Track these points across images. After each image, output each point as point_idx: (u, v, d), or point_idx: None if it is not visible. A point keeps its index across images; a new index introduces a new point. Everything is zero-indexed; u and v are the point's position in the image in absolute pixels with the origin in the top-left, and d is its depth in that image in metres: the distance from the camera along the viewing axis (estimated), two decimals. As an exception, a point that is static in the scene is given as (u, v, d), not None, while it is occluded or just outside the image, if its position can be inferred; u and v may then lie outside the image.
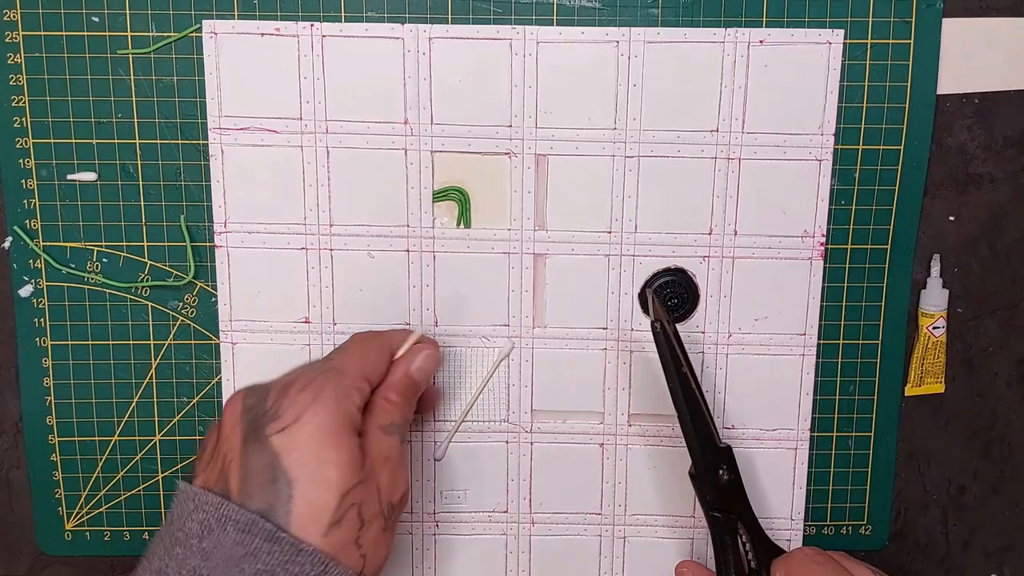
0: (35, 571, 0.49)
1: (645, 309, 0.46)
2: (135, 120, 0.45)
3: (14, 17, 0.44)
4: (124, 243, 0.46)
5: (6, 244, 0.46)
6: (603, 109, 0.45)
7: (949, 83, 0.45)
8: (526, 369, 0.47)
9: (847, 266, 0.47)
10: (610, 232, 0.46)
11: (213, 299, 0.46)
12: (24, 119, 0.45)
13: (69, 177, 0.45)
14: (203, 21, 0.44)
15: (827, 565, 0.40)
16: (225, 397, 0.47)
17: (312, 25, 0.44)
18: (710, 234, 0.46)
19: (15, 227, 0.46)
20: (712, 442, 0.43)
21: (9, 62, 0.44)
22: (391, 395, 0.40)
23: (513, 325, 0.47)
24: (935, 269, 0.47)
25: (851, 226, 0.46)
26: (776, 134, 0.45)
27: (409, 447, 0.48)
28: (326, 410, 0.35)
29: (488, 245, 0.46)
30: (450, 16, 0.44)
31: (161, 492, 0.48)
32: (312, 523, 0.34)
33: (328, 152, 0.45)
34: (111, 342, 0.47)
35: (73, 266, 0.46)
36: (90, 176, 0.45)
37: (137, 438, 0.48)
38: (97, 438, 0.47)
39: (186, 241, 0.46)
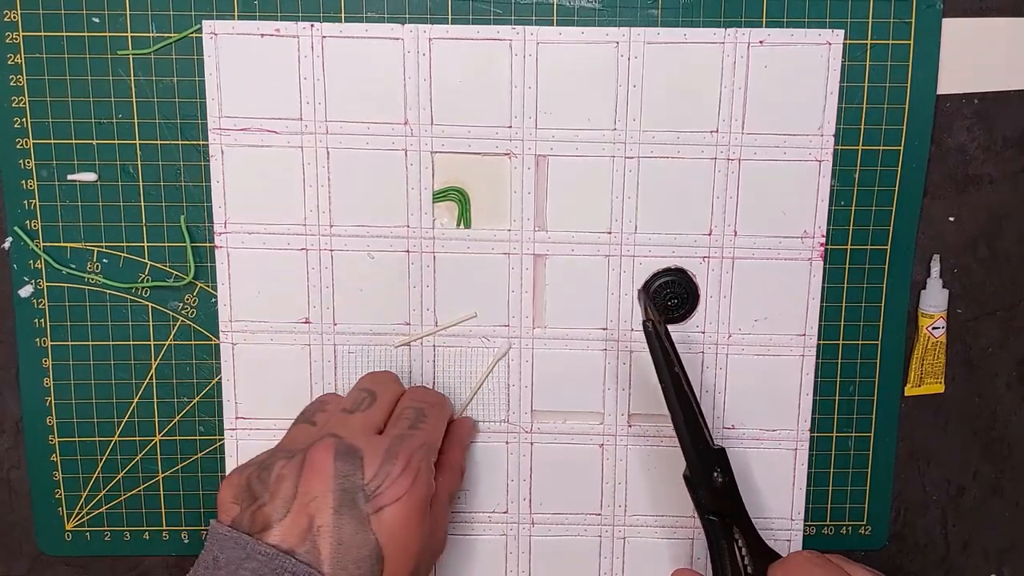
0: (35, 571, 0.49)
1: (645, 312, 0.45)
2: (135, 121, 0.45)
3: (14, 18, 0.44)
4: (124, 243, 0.46)
5: (6, 245, 0.46)
6: (603, 109, 0.45)
7: (949, 83, 0.45)
8: (526, 369, 0.47)
9: (847, 266, 0.47)
10: (610, 232, 0.46)
11: (213, 299, 0.46)
12: (24, 120, 0.45)
13: (69, 177, 0.45)
14: (203, 22, 0.44)
15: (825, 567, 0.39)
16: (225, 398, 0.47)
17: (312, 25, 0.44)
18: (710, 234, 0.46)
19: (15, 227, 0.46)
20: (706, 444, 0.42)
21: (9, 63, 0.44)
22: (460, 461, 0.43)
23: (513, 325, 0.47)
24: (935, 269, 0.47)
25: (851, 226, 0.46)
26: (776, 134, 0.45)
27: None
28: (421, 492, 0.37)
29: (488, 245, 0.46)
30: (450, 16, 0.44)
31: (161, 492, 0.48)
32: (291, 540, 0.35)
33: (328, 152, 0.45)
34: (111, 342, 0.47)
35: (73, 266, 0.46)
36: (90, 176, 0.45)
37: (137, 438, 0.48)
38: (97, 438, 0.47)
39: (186, 241, 0.46)
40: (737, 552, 0.42)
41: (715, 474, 0.42)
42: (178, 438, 0.48)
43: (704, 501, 0.42)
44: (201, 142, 0.45)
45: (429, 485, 0.38)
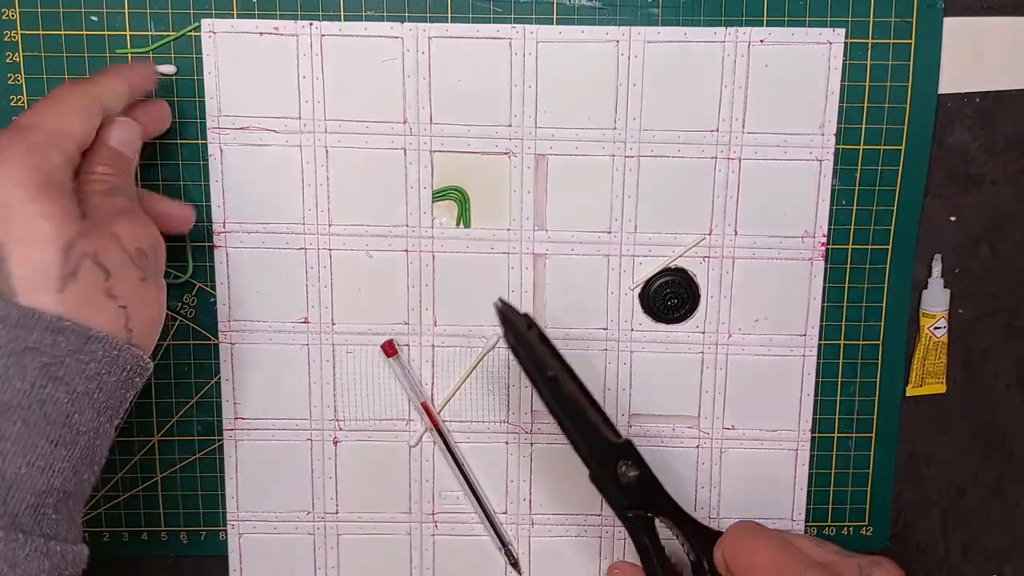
0: (33, 571, 0.49)
1: (504, 324, 0.40)
2: (134, 119, 0.45)
3: (13, 16, 0.44)
4: (123, 243, 0.46)
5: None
6: (603, 108, 0.45)
7: (950, 83, 0.45)
8: (526, 369, 0.47)
9: (848, 266, 0.47)
10: (610, 232, 0.46)
11: (212, 299, 0.46)
12: (22, 118, 0.45)
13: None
14: (202, 20, 0.44)
15: (762, 534, 0.39)
16: (224, 398, 0.47)
17: (311, 24, 0.44)
18: (710, 234, 0.46)
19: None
20: (604, 440, 0.39)
21: (8, 61, 0.44)
22: (96, 168, 0.37)
23: (513, 325, 0.47)
24: (936, 269, 0.47)
25: (852, 226, 0.46)
26: (777, 134, 0.45)
27: (396, 435, 0.48)
28: (15, 168, 0.33)
29: (488, 245, 0.46)
30: (449, 15, 0.44)
31: (160, 493, 0.48)
32: (40, 281, 0.32)
33: (327, 152, 0.45)
34: (110, 342, 0.46)
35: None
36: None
37: (136, 439, 0.47)
38: (95, 438, 0.47)
39: (186, 241, 0.46)
40: (661, 547, 0.40)
41: (622, 468, 0.40)
42: (176, 438, 0.48)
43: (615, 499, 0.40)
44: (200, 141, 0.45)
45: (30, 161, 0.33)
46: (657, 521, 0.41)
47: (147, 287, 0.36)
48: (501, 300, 0.40)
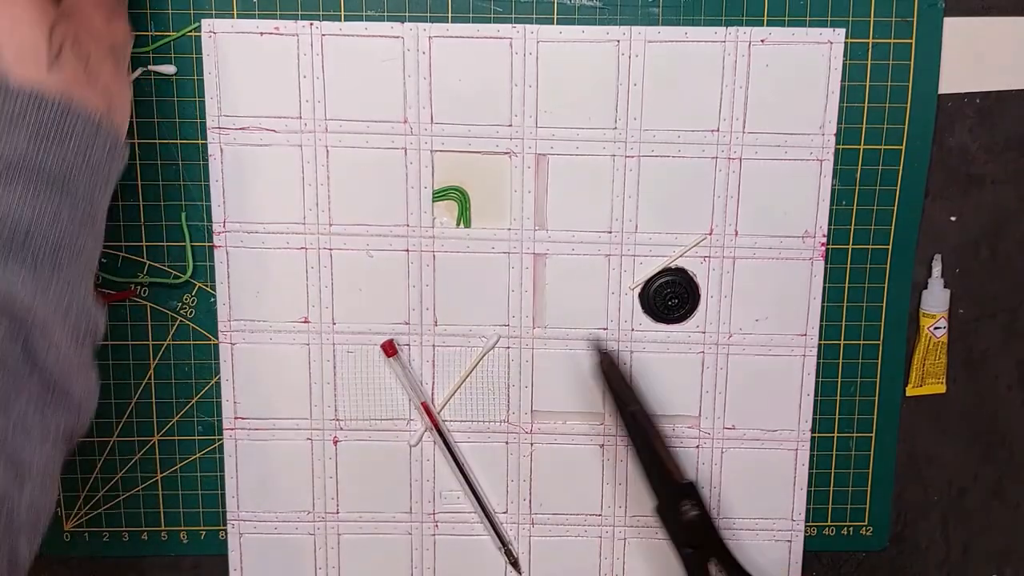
0: (34, 571, 0.49)
1: (599, 355, 0.45)
2: (134, 120, 0.45)
3: (13, 16, 0.44)
4: (123, 243, 0.46)
5: None
6: (603, 109, 0.45)
7: (950, 83, 0.45)
8: (526, 369, 0.47)
9: (848, 266, 0.47)
10: (610, 232, 0.46)
11: (212, 299, 0.46)
12: (23, 118, 0.44)
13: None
14: (202, 20, 0.44)
15: None
16: (224, 397, 0.47)
17: (311, 24, 0.44)
18: (710, 234, 0.46)
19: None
20: (671, 479, 0.42)
21: (8, 61, 0.44)
22: None
23: (513, 325, 0.47)
24: (936, 270, 0.47)
25: (852, 226, 0.46)
26: (777, 134, 0.45)
27: (396, 435, 0.48)
28: None
29: (488, 245, 0.46)
30: (450, 15, 0.44)
31: (160, 492, 0.48)
32: (29, 61, 0.34)
33: (327, 151, 0.45)
34: (110, 342, 0.46)
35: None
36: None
37: (136, 439, 0.47)
38: (96, 439, 0.47)
39: (186, 241, 0.45)
40: None
41: (685, 507, 0.42)
42: (177, 438, 0.48)
43: (675, 535, 0.42)
44: (200, 141, 0.45)
45: None
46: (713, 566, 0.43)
47: (121, 78, 0.38)
48: (596, 338, 0.45)
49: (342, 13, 0.44)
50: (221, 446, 0.47)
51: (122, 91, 0.38)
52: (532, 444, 0.48)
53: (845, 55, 0.44)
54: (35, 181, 0.34)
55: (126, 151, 0.38)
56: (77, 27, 0.36)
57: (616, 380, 0.42)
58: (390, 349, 0.46)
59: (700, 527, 0.42)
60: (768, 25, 0.44)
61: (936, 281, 0.47)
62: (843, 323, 0.47)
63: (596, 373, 0.41)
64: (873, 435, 0.48)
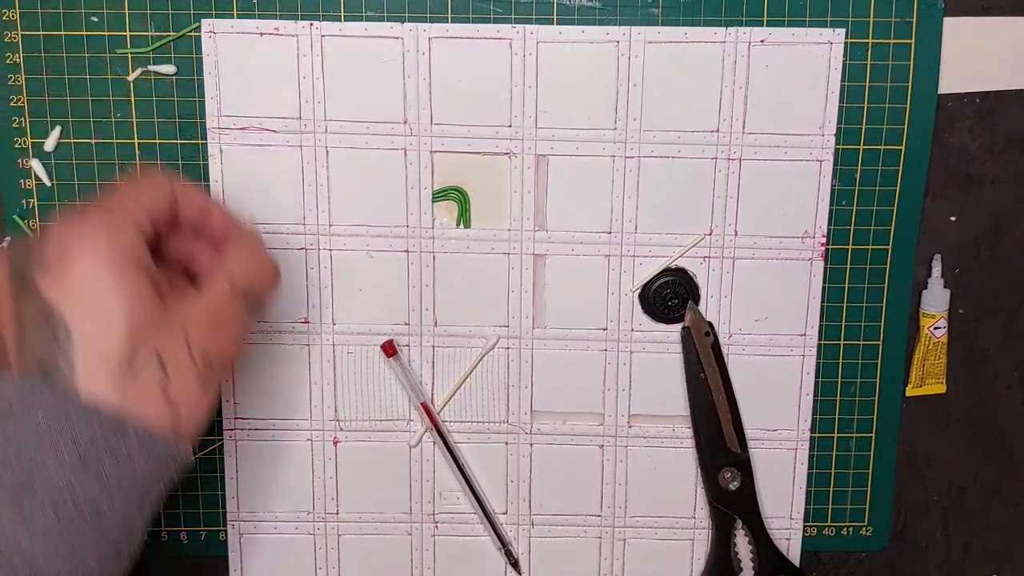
0: (34, 571, 0.49)
1: (690, 317, 0.46)
2: (134, 120, 0.45)
3: (13, 17, 0.44)
4: (123, 243, 0.46)
5: (5, 244, 0.46)
6: (603, 109, 0.45)
7: (950, 83, 0.45)
8: (526, 369, 0.47)
9: (848, 266, 0.47)
10: (610, 232, 0.46)
11: (212, 299, 0.46)
12: (23, 119, 0.45)
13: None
14: (202, 20, 0.44)
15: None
16: (224, 398, 0.47)
17: (311, 24, 0.44)
18: (710, 234, 0.46)
19: (15, 216, 0.45)
20: (721, 444, 0.46)
21: (8, 62, 0.44)
22: (258, 254, 0.37)
23: (513, 325, 0.47)
24: (936, 269, 0.47)
25: (852, 226, 0.46)
26: (777, 134, 0.45)
27: (396, 435, 0.48)
28: (94, 244, 0.32)
29: (488, 245, 0.46)
30: (450, 15, 0.44)
31: (160, 492, 0.48)
32: (98, 365, 0.31)
33: (327, 152, 0.45)
34: (110, 342, 0.46)
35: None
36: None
37: (136, 438, 0.47)
38: (96, 438, 0.47)
39: (185, 241, 0.46)
40: (732, 547, 0.46)
41: (727, 475, 0.46)
42: (177, 438, 0.47)
43: (712, 492, 0.46)
44: (200, 141, 0.45)
45: (110, 238, 0.32)
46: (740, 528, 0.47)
47: (204, 393, 0.34)
48: (692, 303, 0.46)
49: (342, 14, 0.44)
50: (221, 446, 0.47)
51: (199, 410, 0.34)
52: (532, 444, 0.48)
53: (845, 55, 0.44)
54: (61, 514, 0.30)
55: (189, 459, 0.34)
56: (170, 333, 0.33)
57: (698, 347, 0.45)
58: (390, 349, 0.46)
59: (739, 497, 0.46)
60: (768, 25, 0.44)
61: (936, 281, 0.47)
62: (843, 323, 0.47)
63: (682, 333, 0.45)
64: (873, 435, 0.48)
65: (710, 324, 0.46)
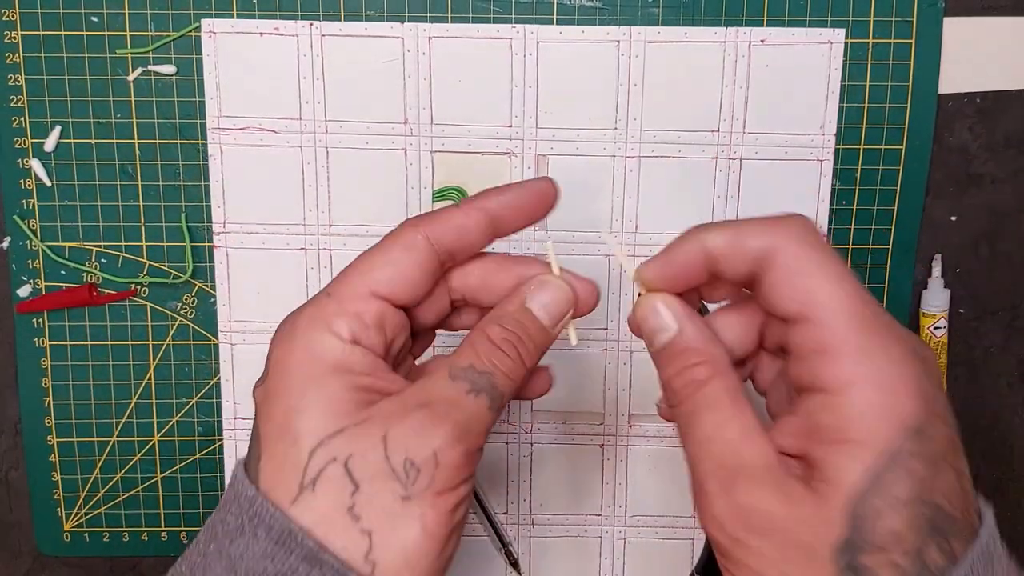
0: (34, 572, 0.49)
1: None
2: (134, 120, 0.45)
3: (13, 17, 0.44)
4: (123, 243, 0.46)
5: (5, 244, 0.46)
6: (603, 109, 0.45)
7: (951, 82, 0.45)
8: (526, 370, 0.47)
9: (848, 266, 0.47)
10: (610, 232, 0.46)
11: (212, 299, 0.46)
12: (23, 119, 0.45)
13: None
14: (202, 20, 0.44)
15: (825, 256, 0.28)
16: (224, 398, 0.47)
17: (311, 24, 0.44)
18: (711, 234, 0.46)
19: (14, 216, 0.45)
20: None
21: (8, 62, 0.44)
22: (493, 330, 0.30)
23: (513, 325, 0.47)
24: (936, 269, 0.47)
25: (852, 226, 0.46)
26: (777, 134, 0.45)
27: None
28: (289, 352, 0.29)
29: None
30: (450, 15, 0.44)
31: (160, 493, 0.48)
32: (278, 485, 0.27)
33: (327, 152, 0.45)
34: (110, 343, 0.46)
35: (73, 265, 0.46)
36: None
37: (136, 439, 0.47)
38: (96, 439, 0.47)
39: (186, 241, 0.45)
40: None
41: None
42: (177, 439, 0.48)
43: None
44: (200, 141, 0.45)
45: (308, 342, 0.29)
46: None
47: (408, 508, 0.27)
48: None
49: (342, 13, 0.44)
50: (221, 447, 0.47)
51: (406, 528, 0.27)
52: (532, 444, 0.48)
53: (845, 55, 0.44)
54: None
55: None
56: (360, 440, 0.27)
57: None
58: (390, 349, 0.46)
59: None
60: (768, 25, 0.44)
61: (936, 281, 0.47)
62: (843, 323, 0.47)
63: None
64: (873, 435, 0.48)
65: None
